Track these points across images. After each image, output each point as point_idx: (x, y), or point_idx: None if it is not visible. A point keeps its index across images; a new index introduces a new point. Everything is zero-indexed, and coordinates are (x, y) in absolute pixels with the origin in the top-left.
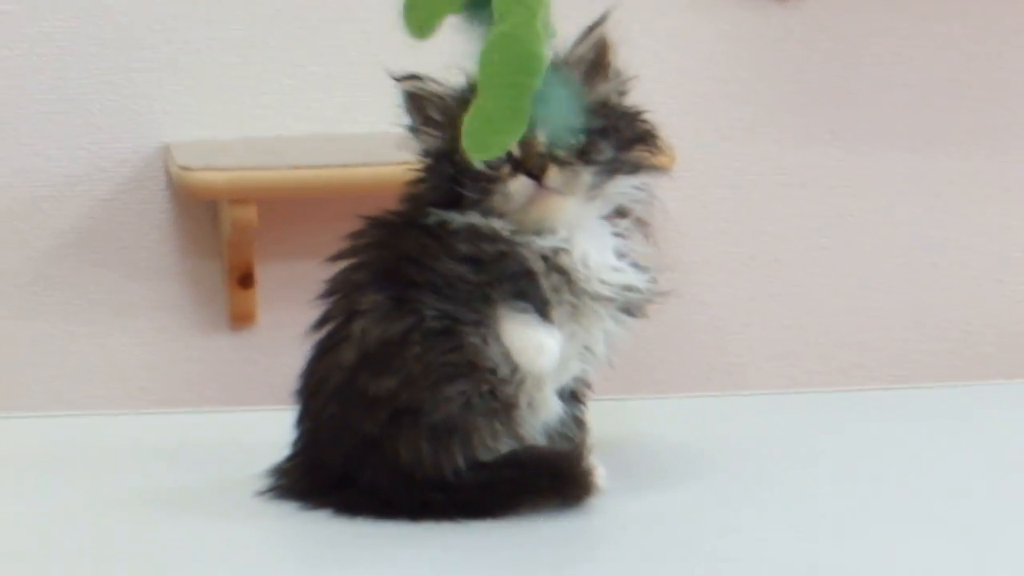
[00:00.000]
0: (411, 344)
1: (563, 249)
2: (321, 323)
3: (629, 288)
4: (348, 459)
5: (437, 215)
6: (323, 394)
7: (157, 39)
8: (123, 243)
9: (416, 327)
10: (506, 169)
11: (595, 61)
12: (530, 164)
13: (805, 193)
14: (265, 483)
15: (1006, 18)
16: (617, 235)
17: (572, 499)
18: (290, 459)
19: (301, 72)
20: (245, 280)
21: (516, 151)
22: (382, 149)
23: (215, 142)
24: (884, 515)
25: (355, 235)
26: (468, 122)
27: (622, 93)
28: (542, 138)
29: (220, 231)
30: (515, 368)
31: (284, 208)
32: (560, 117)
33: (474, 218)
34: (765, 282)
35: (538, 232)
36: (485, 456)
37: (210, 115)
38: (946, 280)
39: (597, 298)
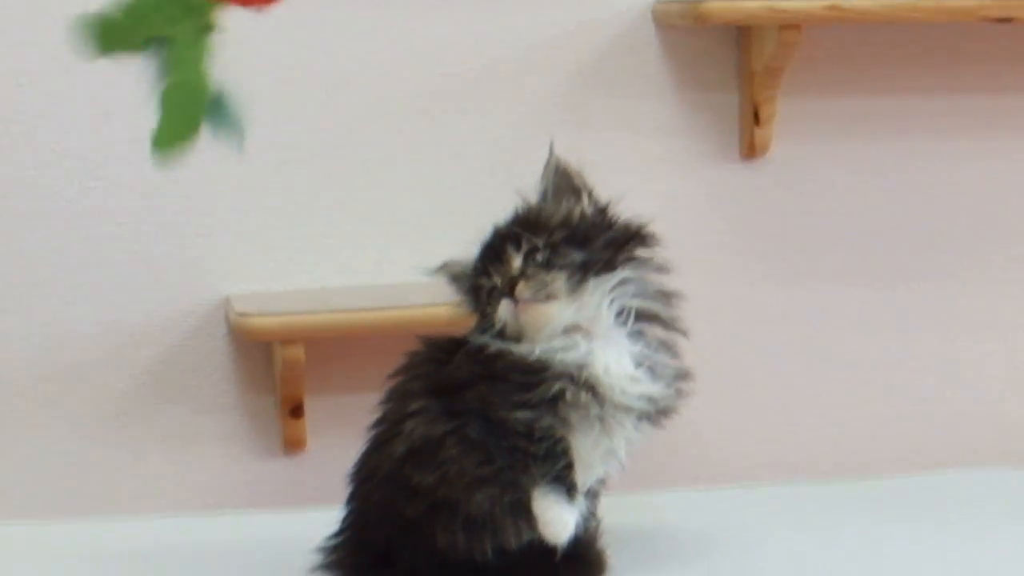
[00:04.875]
0: (448, 447)
1: (586, 364)
2: (377, 423)
3: (648, 398)
4: (390, 540)
5: (478, 338)
6: (373, 480)
7: (217, 209)
8: (190, 382)
9: (454, 432)
10: (493, 299)
11: (558, 184)
12: (503, 287)
13: (772, 327)
14: (315, 559)
15: (940, 173)
16: (633, 340)
17: None
18: (337, 535)
19: (338, 233)
20: (296, 411)
21: (497, 281)
22: (409, 295)
23: (267, 293)
24: None
25: (412, 353)
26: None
27: (597, 206)
28: (513, 262)
29: (273, 369)
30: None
31: (328, 347)
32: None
33: (503, 343)
34: (741, 400)
35: (561, 348)
36: (511, 545)
37: (263, 272)
38: (897, 400)
39: (620, 408)
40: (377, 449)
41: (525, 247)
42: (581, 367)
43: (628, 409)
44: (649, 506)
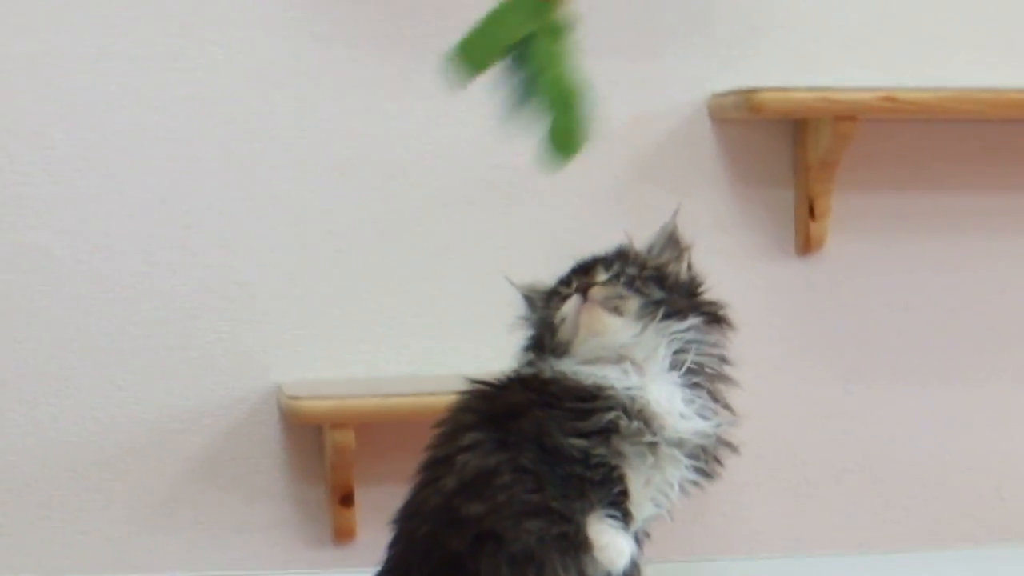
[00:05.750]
0: (502, 474)
1: (638, 396)
2: (425, 465)
3: (700, 433)
4: (434, 575)
5: (532, 363)
6: (420, 516)
7: (270, 296)
8: (241, 470)
9: (509, 461)
10: (563, 300)
11: (666, 244)
12: (579, 288)
13: (826, 423)
14: None
15: (997, 271)
16: (684, 386)
17: None
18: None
19: (391, 322)
20: (346, 500)
21: (575, 287)
22: (462, 384)
23: (320, 380)
24: None
25: (460, 393)
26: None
27: (691, 275)
28: (599, 276)
29: (324, 456)
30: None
31: (380, 435)
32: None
33: (559, 364)
34: (792, 491)
35: (613, 376)
36: None
37: (315, 360)
38: (954, 499)
39: (673, 442)
40: (426, 487)
41: (614, 270)
42: (633, 398)
43: (680, 443)
44: (691, 572)
